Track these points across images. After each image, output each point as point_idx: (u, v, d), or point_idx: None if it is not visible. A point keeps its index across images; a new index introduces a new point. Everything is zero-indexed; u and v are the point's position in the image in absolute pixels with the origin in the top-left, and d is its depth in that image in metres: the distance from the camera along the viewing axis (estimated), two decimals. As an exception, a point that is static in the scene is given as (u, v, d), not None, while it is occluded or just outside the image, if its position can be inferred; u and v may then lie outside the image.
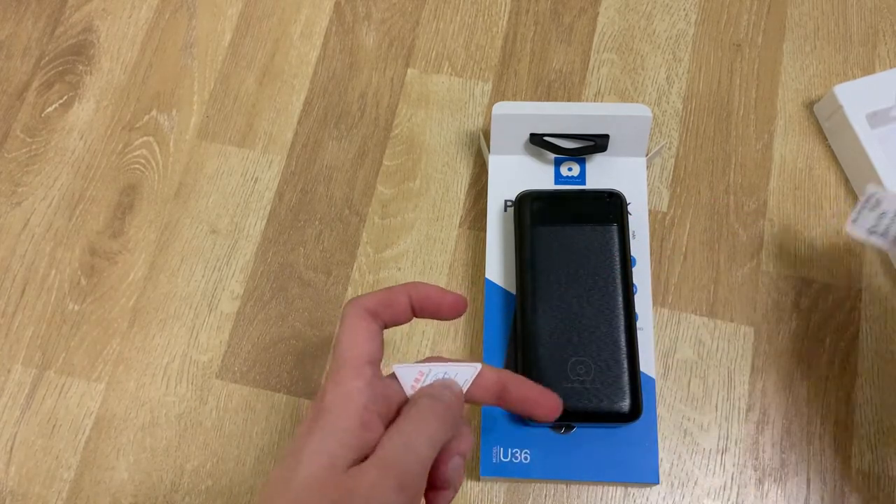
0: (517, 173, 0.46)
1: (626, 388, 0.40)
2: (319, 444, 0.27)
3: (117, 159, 0.50)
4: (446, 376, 0.31)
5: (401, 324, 0.32)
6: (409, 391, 0.30)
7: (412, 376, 0.30)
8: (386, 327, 0.31)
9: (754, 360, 0.45)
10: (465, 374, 0.31)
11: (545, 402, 0.31)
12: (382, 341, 0.31)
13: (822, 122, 0.49)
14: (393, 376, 0.31)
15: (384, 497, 0.26)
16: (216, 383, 0.45)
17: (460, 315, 0.33)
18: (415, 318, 0.32)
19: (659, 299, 0.46)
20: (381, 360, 0.30)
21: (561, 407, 0.32)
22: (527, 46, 0.52)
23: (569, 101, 0.50)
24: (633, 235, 0.45)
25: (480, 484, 0.42)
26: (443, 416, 0.29)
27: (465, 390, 0.31)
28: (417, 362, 0.31)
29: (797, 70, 0.51)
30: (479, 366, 0.31)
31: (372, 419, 0.28)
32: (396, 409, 0.30)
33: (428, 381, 0.30)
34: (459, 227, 0.48)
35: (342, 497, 0.25)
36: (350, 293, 0.46)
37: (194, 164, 0.50)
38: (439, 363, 0.31)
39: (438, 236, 0.48)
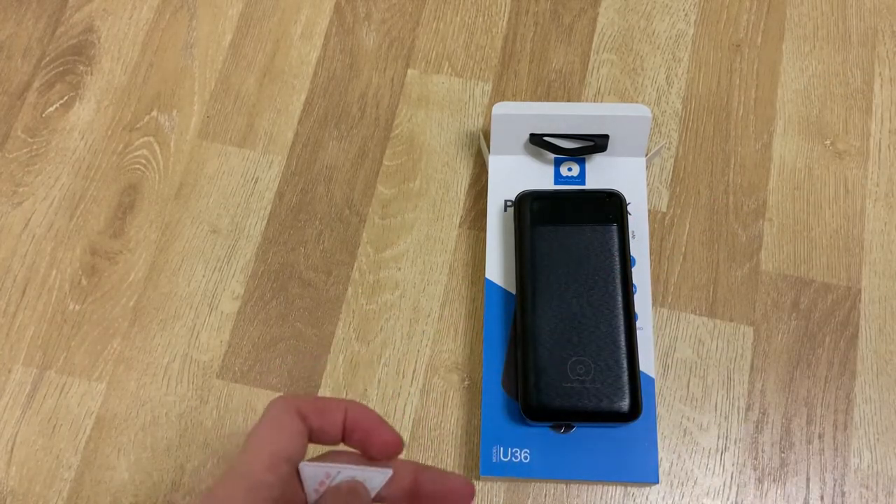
0: (517, 173, 0.47)
1: (626, 388, 0.40)
2: None
3: (118, 159, 0.50)
4: (355, 479, 0.27)
5: (324, 442, 0.28)
6: (311, 495, 0.27)
7: (317, 478, 0.27)
8: (310, 440, 0.28)
9: (754, 359, 0.45)
10: (375, 479, 0.28)
11: (461, 490, 0.28)
12: (305, 447, 0.27)
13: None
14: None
15: None
16: (217, 383, 0.45)
17: (391, 458, 0.29)
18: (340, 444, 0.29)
19: (658, 299, 0.46)
20: (296, 465, 0.27)
21: (473, 492, 0.29)
22: (527, 47, 0.52)
23: (569, 101, 0.50)
24: (633, 235, 0.45)
25: (480, 483, 0.42)
26: None
27: (373, 496, 0.28)
28: (323, 461, 0.28)
29: (797, 70, 0.51)
30: (389, 471, 0.28)
31: None
32: None
33: (334, 483, 0.27)
34: (459, 227, 0.48)
35: None
36: (350, 293, 0.47)
37: (195, 164, 0.50)
38: (349, 465, 0.28)
39: (438, 236, 0.48)
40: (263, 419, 0.27)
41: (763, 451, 0.43)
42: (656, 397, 0.43)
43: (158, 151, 0.50)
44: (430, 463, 0.43)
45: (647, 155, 0.47)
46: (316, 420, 0.27)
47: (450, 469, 0.42)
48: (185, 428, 0.44)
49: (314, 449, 0.28)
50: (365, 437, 0.28)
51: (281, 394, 0.28)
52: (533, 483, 0.42)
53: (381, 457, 0.28)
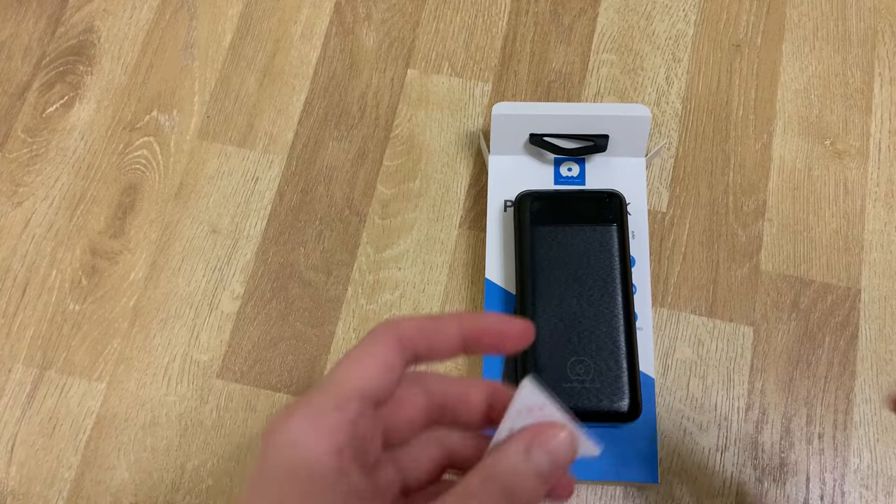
0: (517, 173, 0.47)
1: (626, 388, 0.40)
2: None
3: (118, 159, 0.50)
4: (572, 434, 0.24)
5: (441, 359, 0.26)
6: (511, 415, 0.24)
7: (531, 402, 0.24)
8: (418, 362, 0.26)
9: (753, 359, 0.45)
10: (585, 447, 0.24)
11: (511, 331, 0.26)
12: (398, 381, 0.25)
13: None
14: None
15: None
16: (217, 383, 0.45)
17: (525, 346, 0.26)
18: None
19: (658, 299, 0.46)
20: (384, 400, 0.25)
21: (531, 330, 0.26)
22: (526, 47, 0.52)
23: (568, 101, 0.50)
24: (633, 235, 0.45)
25: (480, 483, 0.42)
26: None
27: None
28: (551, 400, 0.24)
29: (796, 70, 0.51)
30: (598, 451, 0.24)
31: (347, 468, 0.22)
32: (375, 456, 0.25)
33: (541, 418, 0.24)
34: (459, 227, 0.48)
35: None
36: (350, 293, 0.47)
37: (195, 164, 0.50)
38: (570, 419, 0.24)
39: (438, 236, 0.48)
40: (354, 347, 0.25)
41: (763, 450, 0.43)
42: (656, 397, 0.43)
43: (158, 151, 0.50)
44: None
45: (646, 155, 0.47)
46: (423, 343, 0.25)
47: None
48: (185, 428, 0.44)
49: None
50: (496, 339, 0.25)
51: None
52: (533, 483, 0.42)
53: (516, 348, 0.26)
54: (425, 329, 0.25)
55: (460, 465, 0.26)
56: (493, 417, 0.25)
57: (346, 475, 0.22)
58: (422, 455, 0.26)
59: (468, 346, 0.25)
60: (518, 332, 0.25)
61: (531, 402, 0.24)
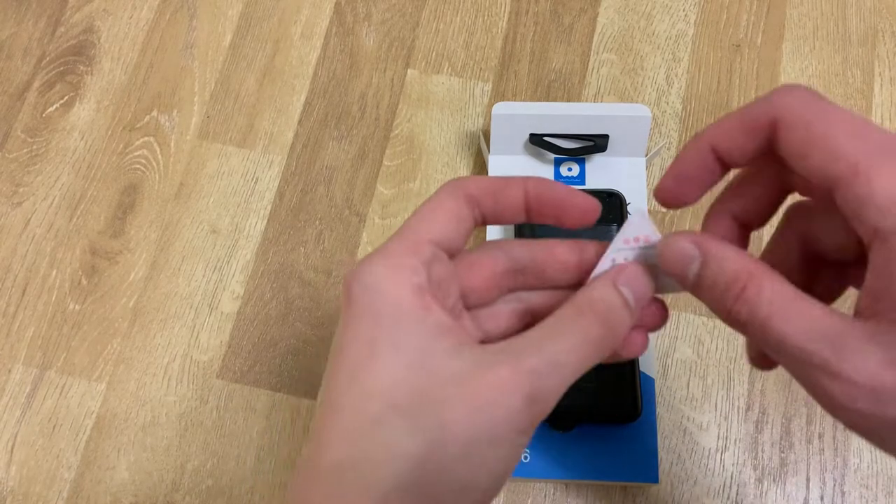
0: (517, 173, 0.46)
1: (626, 388, 0.40)
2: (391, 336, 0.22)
3: (118, 159, 0.50)
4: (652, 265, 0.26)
5: (507, 222, 0.27)
6: (618, 243, 0.26)
7: (640, 231, 0.26)
8: (485, 223, 0.26)
9: (754, 359, 0.45)
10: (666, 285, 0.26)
11: (573, 203, 0.27)
12: (468, 235, 0.26)
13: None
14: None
15: (509, 402, 0.22)
16: (217, 383, 0.45)
17: (590, 223, 0.27)
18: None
19: (658, 299, 0.46)
20: (455, 252, 0.26)
21: (596, 207, 0.27)
22: (527, 47, 0.52)
23: (568, 101, 0.50)
24: (633, 235, 0.45)
25: (480, 483, 0.42)
26: (606, 344, 0.24)
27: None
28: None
29: (797, 71, 0.51)
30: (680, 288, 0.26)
31: (429, 305, 0.23)
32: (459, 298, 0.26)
33: (637, 254, 0.26)
34: (459, 227, 0.48)
35: (447, 382, 0.22)
36: (350, 293, 0.46)
37: (195, 164, 0.50)
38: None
39: (438, 236, 0.48)
40: (426, 203, 0.25)
41: (763, 450, 0.43)
42: (656, 397, 0.43)
43: (158, 151, 0.50)
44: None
45: (647, 155, 0.47)
46: (489, 202, 0.26)
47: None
48: (185, 428, 0.44)
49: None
50: (558, 209, 0.26)
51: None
52: (533, 483, 0.42)
53: (579, 222, 0.27)
54: (492, 188, 0.26)
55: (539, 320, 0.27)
56: (582, 269, 0.27)
57: (429, 311, 0.23)
58: (502, 311, 0.27)
59: (531, 212, 0.26)
60: (581, 205, 0.26)
61: (638, 232, 0.27)
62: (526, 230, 0.43)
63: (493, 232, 0.45)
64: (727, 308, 0.23)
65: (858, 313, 0.21)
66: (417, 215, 0.25)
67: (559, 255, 0.27)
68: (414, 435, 0.21)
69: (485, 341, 0.26)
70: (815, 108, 0.21)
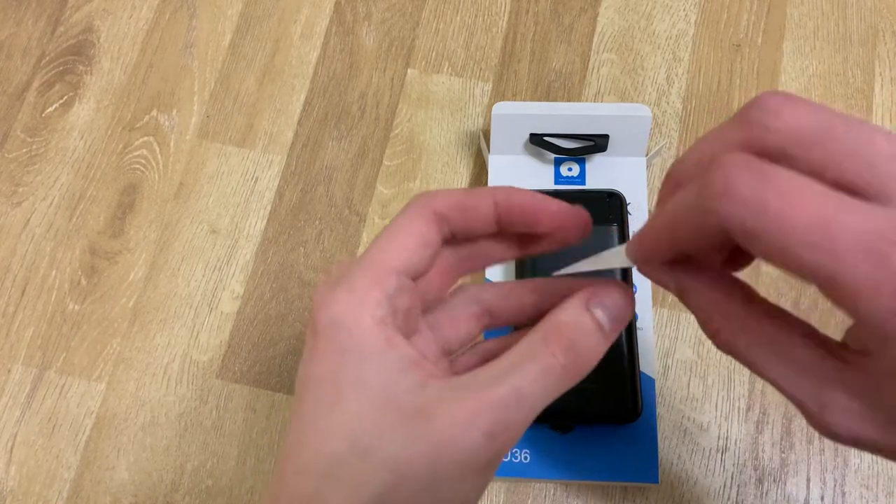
0: (517, 173, 0.46)
1: (626, 389, 0.40)
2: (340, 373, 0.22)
3: (118, 159, 0.50)
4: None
5: (477, 235, 0.26)
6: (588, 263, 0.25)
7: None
8: (455, 239, 0.25)
9: (754, 360, 0.45)
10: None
11: (545, 209, 0.25)
12: (436, 255, 0.25)
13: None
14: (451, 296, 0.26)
15: (470, 439, 0.21)
16: (216, 383, 0.45)
17: (568, 231, 0.25)
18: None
19: (658, 299, 0.46)
20: (422, 274, 0.25)
21: (569, 214, 0.25)
22: (527, 46, 0.52)
23: (569, 101, 0.50)
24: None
25: (480, 484, 0.42)
26: (574, 373, 0.23)
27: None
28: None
29: (797, 70, 0.51)
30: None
31: (393, 339, 0.23)
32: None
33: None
34: (459, 227, 0.48)
35: (409, 419, 0.21)
36: (350, 293, 0.46)
37: (194, 163, 0.50)
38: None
39: (438, 236, 0.48)
40: (392, 223, 0.24)
41: (763, 451, 0.43)
42: (656, 398, 0.43)
43: (158, 151, 0.50)
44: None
45: (647, 155, 0.47)
46: (458, 218, 0.25)
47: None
48: (184, 428, 0.44)
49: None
50: (529, 216, 0.25)
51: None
52: (533, 483, 0.42)
53: (559, 231, 0.25)
54: (460, 202, 0.25)
55: (497, 321, 0.27)
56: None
57: (393, 346, 0.23)
58: (460, 315, 0.27)
59: (502, 223, 0.25)
60: (553, 211, 0.25)
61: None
62: (527, 266, 0.42)
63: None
64: (709, 338, 0.23)
65: (845, 350, 0.20)
66: (383, 240, 0.24)
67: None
68: (374, 473, 0.21)
69: (446, 349, 0.26)
70: (761, 212, 0.17)
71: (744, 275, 0.25)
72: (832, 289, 0.17)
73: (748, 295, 0.22)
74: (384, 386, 0.22)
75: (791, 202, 0.17)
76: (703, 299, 0.22)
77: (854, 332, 0.20)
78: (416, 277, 0.25)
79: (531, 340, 0.23)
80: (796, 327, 0.21)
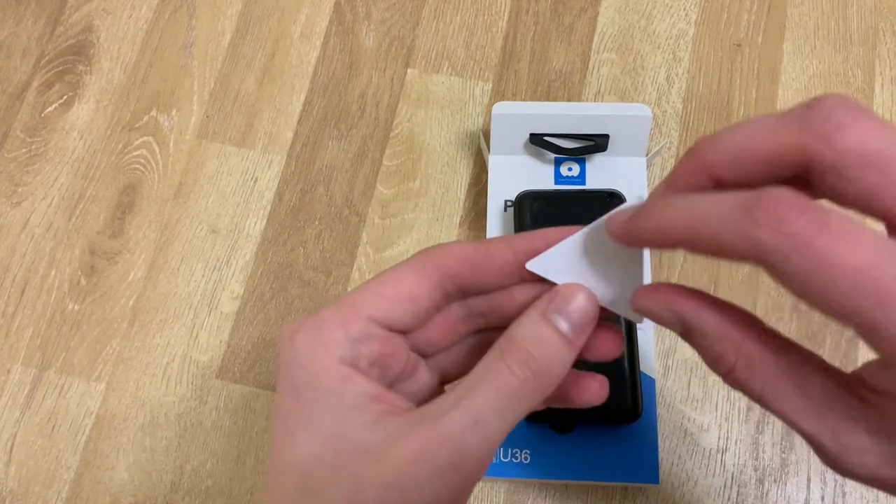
0: (517, 173, 0.46)
1: (626, 389, 0.40)
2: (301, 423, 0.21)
3: (117, 159, 0.50)
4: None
5: (493, 290, 0.24)
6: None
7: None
8: (467, 296, 0.24)
9: (754, 360, 0.44)
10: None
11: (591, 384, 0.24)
12: (430, 312, 0.24)
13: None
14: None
15: (425, 474, 0.20)
16: (216, 383, 0.45)
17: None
18: None
19: (659, 299, 0.46)
20: (409, 329, 0.24)
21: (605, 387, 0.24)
22: (527, 46, 0.52)
23: (569, 101, 0.50)
24: (633, 235, 0.45)
25: (480, 484, 0.42)
26: (534, 390, 0.21)
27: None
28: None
29: (797, 70, 0.51)
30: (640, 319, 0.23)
31: (350, 376, 0.22)
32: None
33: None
34: (459, 227, 0.48)
35: (361, 459, 0.20)
36: (350, 293, 0.46)
37: (194, 163, 0.50)
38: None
39: (438, 236, 0.48)
40: (390, 269, 0.23)
41: (764, 451, 0.43)
42: (657, 398, 0.43)
43: (157, 151, 0.50)
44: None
45: (647, 155, 0.47)
46: (468, 274, 0.23)
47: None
48: (184, 428, 0.44)
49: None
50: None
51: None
52: (533, 483, 0.42)
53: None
54: (470, 259, 0.23)
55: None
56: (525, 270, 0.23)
57: (350, 383, 0.22)
58: (459, 350, 0.26)
59: (524, 273, 0.23)
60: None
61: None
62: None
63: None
64: (720, 376, 0.21)
65: (862, 386, 0.20)
66: (368, 284, 0.23)
67: (518, 297, 0.24)
68: None
69: (444, 378, 0.25)
70: (808, 253, 0.17)
71: (747, 270, 0.25)
72: (871, 336, 0.17)
73: (760, 327, 0.21)
74: (336, 425, 0.21)
75: (844, 246, 0.16)
76: (713, 337, 0.21)
77: (881, 373, 0.19)
78: (399, 330, 0.23)
79: (489, 357, 0.22)
80: (811, 361, 0.20)
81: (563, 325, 0.22)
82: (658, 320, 0.22)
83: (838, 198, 0.19)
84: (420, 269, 0.23)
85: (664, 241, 0.20)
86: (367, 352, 0.22)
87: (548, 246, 0.23)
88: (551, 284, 0.23)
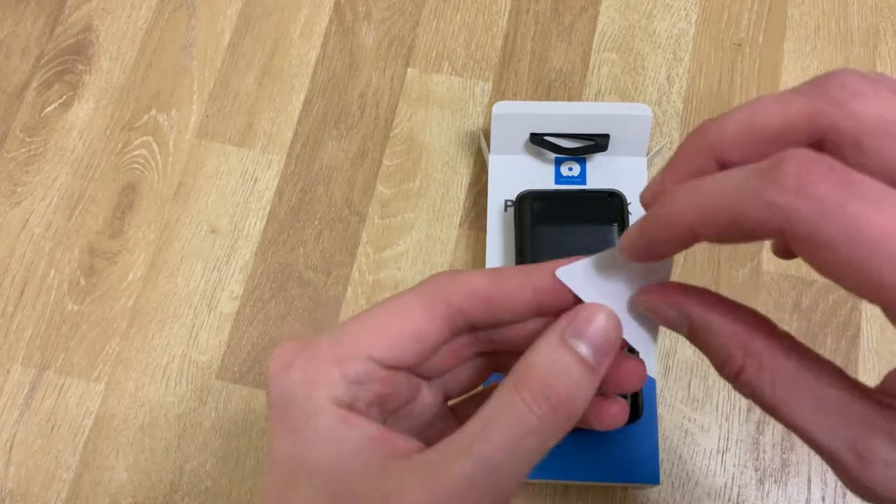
0: (517, 173, 0.46)
1: (627, 389, 0.40)
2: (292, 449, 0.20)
3: (116, 159, 0.50)
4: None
5: (508, 324, 0.22)
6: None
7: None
8: (475, 330, 0.22)
9: (755, 360, 0.44)
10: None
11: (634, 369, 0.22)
12: (436, 348, 0.22)
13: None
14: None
15: None
16: (216, 383, 0.45)
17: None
18: None
19: (659, 299, 0.45)
20: (412, 367, 0.22)
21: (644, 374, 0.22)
22: (527, 46, 0.52)
23: (569, 100, 0.50)
24: (634, 235, 0.45)
25: (480, 484, 0.42)
26: (557, 425, 0.19)
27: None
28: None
29: (798, 70, 0.51)
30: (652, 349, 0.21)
31: (349, 419, 0.20)
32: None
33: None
34: (459, 227, 0.48)
35: None
36: (350, 293, 0.46)
37: (194, 163, 0.50)
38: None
39: (438, 236, 0.47)
40: (397, 299, 0.21)
41: (764, 451, 0.43)
42: (657, 398, 0.43)
43: (157, 151, 0.50)
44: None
45: (648, 154, 0.47)
46: (481, 312, 0.21)
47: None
48: (183, 429, 0.44)
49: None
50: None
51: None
52: (533, 484, 0.42)
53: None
54: (486, 295, 0.21)
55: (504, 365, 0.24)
56: (544, 305, 0.22)
57: (348, 425, 0.20)
58: (464, 369, 0.24)
59: (545, 308, 0.21)
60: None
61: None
62: (527, 248, 0.42)
63: (492, 258, 0.45)
64: (728, 380, 0.19)
65: (881, 393, 0.18)
66: (371, 316, 0.21)
67: (531, 325, 0.22)
68: None
69: (447, 397, 0.23)
70: (839, 218, 0.15)
71: (748, 270, 0.24)
72: None
73: (770, 328, 0.20)
74: (336, 475, 0.19)
75: (878, 210, 0.15)
76: (721, 336, 0.20)
77: None
78: (401, 368, 0.21)
79: (502, 390, 0.20)
80: (825, 366, 0.19)
81: (584, 350, 0.20)
82: (664, 320, 0.21)
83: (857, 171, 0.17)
84: (430, 304, 0.21)
85: (679, 237, 0.18)
86: (365, 393, 0.21)
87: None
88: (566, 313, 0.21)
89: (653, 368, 0.43)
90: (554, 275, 0.21)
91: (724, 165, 0.19)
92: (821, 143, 0.17)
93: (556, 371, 0.19)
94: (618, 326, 0.21)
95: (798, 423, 0.18)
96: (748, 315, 0.20)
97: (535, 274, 0.21)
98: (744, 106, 0.19)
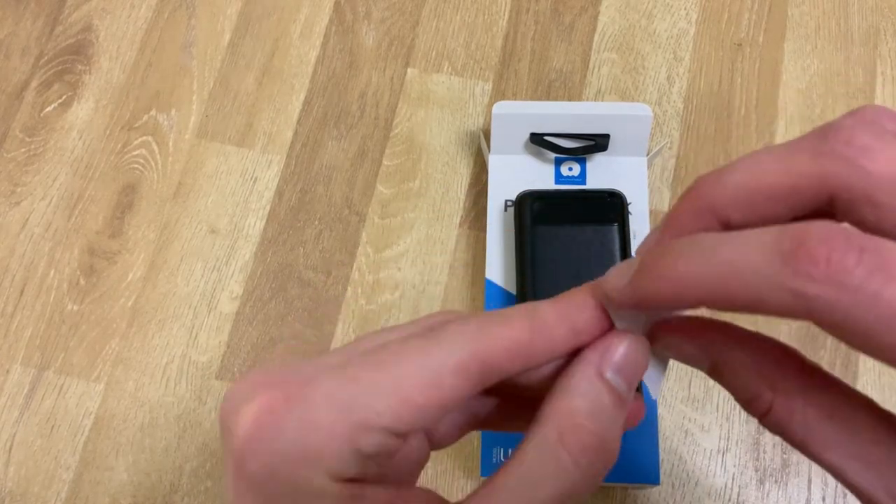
0: (517, 173, 0.46)
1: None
2: None
3: (116, 159, 0.50)
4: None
5: (540, 365, 0.19)
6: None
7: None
8: (497, 383, 0.19)
9: (755, 360, 0.44)
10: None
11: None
12: (453, 410, 0.18)
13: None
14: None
15: None
16: (215, 384, 0.45)
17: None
18: None
19: (659, 299, 0.45)
20: (424, 429, 0.20)
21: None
22: (527, 46, 0.52)
23: (569, 100, 0.50)
24: (634, 235, 0.45)
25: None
26: (598, 473, 0.18)
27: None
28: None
29: (798, 70, 0.51)
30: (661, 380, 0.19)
31: (358, 494, 0.17)
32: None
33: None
34: (459, 227, 0.48)
35: None
36: (350, 293, 0.46)
37: (193, 163, 0.50)
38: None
39: (438, 236, 0.47)
40: (409, 347, 0.18)
41: (765, 451, 0.43)
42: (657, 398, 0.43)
43: (157, 151, 0.50)
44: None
45: (648, 154, 0.47)
46: (518, 366, 0.18)
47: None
48: (183, 429, 0.44)
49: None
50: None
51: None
52: (533, 484, 0.42)
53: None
54: (527, 349, 0.18)
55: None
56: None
57: (360, 501, 0.17)
58: (455, 415, 0.22)
59: (577, 348, 0.19)
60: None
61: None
62: (528, 270, 0.42)
63: (493, 273, 0.45)
64: (754, 417, 0.18)
65: None
66: (387, 372, 0.17)
67: (545, 369, 0.20)
68: None
69: (435, 444, 0.21)
70: (876, 309, 0.14)
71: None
72: None
73: (800, 363, 0.18)
74: None
75: None
76: (746, 375, 0.18)
77: None
78: (416, 432, 0.19)
79: (540, 437, 0.17)
80: (856, 400, 0.18)
81: (620, 383, 0.18)
82: (681, 357, 0.19)
83: (869, 231, 0.16)
84: (462, 368, 0.18)
85: (680, 303, 0.17)
86: (375, 465, 0.18)
87: (603, 318, 0.19)
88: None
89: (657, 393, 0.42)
90: (595, 311, 0.19)
91: (726, 225, 0.18)
92: (831, 203, 0.16)
93: (597, 413, 0.18)
94: (647, 351, 0.19)
95: (831, 463, 0.17)
96: (774, 350, 0.18)
97: (576, 315, 0.19)
98: (743, 164, 0.17)
